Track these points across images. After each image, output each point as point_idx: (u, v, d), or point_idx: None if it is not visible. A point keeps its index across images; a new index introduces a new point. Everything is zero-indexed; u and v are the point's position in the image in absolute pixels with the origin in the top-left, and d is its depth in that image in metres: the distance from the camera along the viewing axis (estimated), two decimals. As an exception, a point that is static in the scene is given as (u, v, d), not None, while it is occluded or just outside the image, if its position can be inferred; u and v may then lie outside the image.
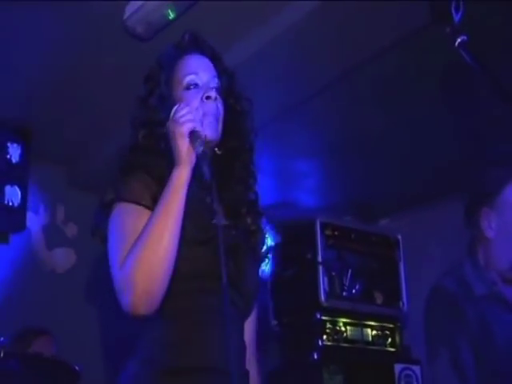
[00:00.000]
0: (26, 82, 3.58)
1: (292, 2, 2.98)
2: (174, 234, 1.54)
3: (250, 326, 1.80)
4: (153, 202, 1.60)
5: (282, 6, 3.02)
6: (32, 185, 4.12)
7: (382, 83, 3.51)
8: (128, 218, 1.60)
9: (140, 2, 2.92)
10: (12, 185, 3.97)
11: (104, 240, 1.64)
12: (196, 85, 1.78)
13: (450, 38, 1.66)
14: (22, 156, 4.02)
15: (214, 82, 1.81)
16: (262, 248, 1.80)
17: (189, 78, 1.78)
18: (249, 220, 1.77)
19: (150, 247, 1.51)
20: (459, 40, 1.63)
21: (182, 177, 1.58)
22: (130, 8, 2.97)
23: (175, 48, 1.88)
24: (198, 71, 1.80)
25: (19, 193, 4.00)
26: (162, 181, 1.62)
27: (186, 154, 1.59)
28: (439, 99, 3.60)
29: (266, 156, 4.21)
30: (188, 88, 1.78)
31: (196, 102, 1.74)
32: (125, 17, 3.00)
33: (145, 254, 1.50)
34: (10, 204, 3.95)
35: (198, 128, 1.62)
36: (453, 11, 1.65)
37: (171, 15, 2.91)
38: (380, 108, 3.74)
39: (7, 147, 3.97)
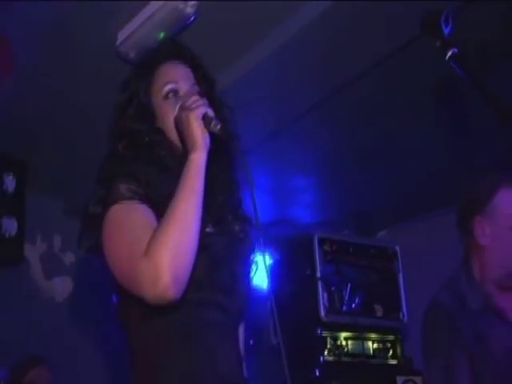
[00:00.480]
0: (20, 114, 3.59)
1: (279, 24, 3.03)
2: (199, 216, 1.54)
3: (241, 332, 1.81)
4: (144, 202, 1.59)
5: (269, 30, 3.06)
6: (29, 215, 4.12)
7: (373, 97, 3.55)
8: (130, 213, 1.57)
9: (132, 28, 2.94)
10: (9, 216, 3.97)
11: (90, 249, 1.63)
12: (176, 93, 1.77)
13: (441, 51, 1.69)
14: (17, 187, 4.03)
15: (194, 90, 1.79)
16: (251, 255, 1.79)
17: (168, 87, 1.76)
18: (236, 227, 1.76)
19: (178, 231, 1.49)
20: (450, 53, 1.66)
21: (200, 160, 1.59)
22: (122, 34, 3.00)
23: (154, 55, 1.86)
24: (177, 79, 1.78)
25: (16, 223, 4.00)
26: (150, 185, 1.61)
27: (201, 137, 1.60)
28: (431, 111, 3.64)
29: (261, 174, 4.24)
30: (167, 97, 1.76)
31: (175, 111, 1.73)
32: (117, 43, 3.03)
33: (174, 238, 1.48)
34: (7, 235, 3.95)
35: (210, 112, 1.64)
36: (442, 24, 1.68)
37: (161, 39, 2.94)
38: (372, 122, 3.78)
39: (3, 178, 3.98)
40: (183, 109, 1.65)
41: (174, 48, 1.88)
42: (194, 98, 1.67)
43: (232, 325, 1.69)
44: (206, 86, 1.85)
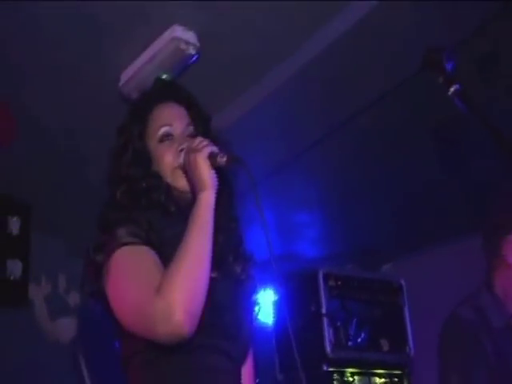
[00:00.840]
0: (25, 157, 3.62)
1: (281, 61, 3.08)
2: (209, 254, 1.55)
3: (246, 370, 1.79)
4: (147, 244, 1.59)
5: (272, 66, 3.11)
6: (33, 256, 4.12)
7: (377, 133, 3.59)
8: (135, 255, 1.57)
9: (135, 68, 2.98)
10: (13, 258, 3.98)
11: (92, 295, 1.63)
12: (170, 136, 1.76)
13: (443, 87, 1.73)
14: (22, 229, 4.04)
15: (189, 131, 1.79)
16: (254, 295, 1.79)
17: (163, 130, 1.76)
18: (238, 269, 1.74)
19: (191, 268, 1.51)
20: (452, 89, 1.69)
21: (210, 198, 1.61)
22: (125, 74, 3.04)
23: (147, 97, 1.87)
24: (171, 122, 1.78)
25: (20, 265, 4.00)
26: (152, 228, 1.61)
27: (210, 177, 1.62)
28: (434, 146, 3.67)
29: (266, 208, 4.24)
30: (162, 140, 1.76)
31: (171, 155, 1.74)
32: (120, 83, 3.06)
33: (187, 275, 1.49)
34: (12, 277, 3.94)
35: (214, 149, 1.65)
36: (445, 61, 1.72)
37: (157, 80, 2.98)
38: (376, 157, 3.81)
39: (7, 221, 3.99)
40: (190, 151, 1.66)
41: (167, 89, 1.89)
42: (199, 139, 1.68)
43: (236, 371, 1.68)
44: (201, 125, 1.85)
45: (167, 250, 1.58)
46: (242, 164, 1.67)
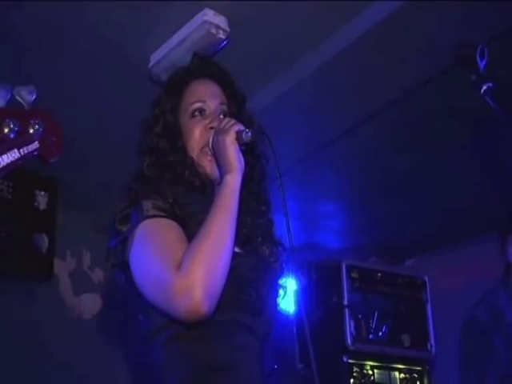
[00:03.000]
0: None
1: (313, 49, 3.03)
2: (232, 235, 1.56)
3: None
4: (172, 218, 1.59)
5: (303, 54, 3.07)
6: (59, 231, 4.15)
7: (406, 125, 3.53)
8: (161, 228, 1.58)
9: (165, 51, 2.97)
10: (40, 232, 4.02)
11: (118, 264, 1.63)
12: (203, 112, 1.78)
13: (476, 85, 1.67)
14: (49, 204, 4.07)
15: (221, 109, 1.80)
16: (280, 279, 1.79)
17: (195, 106, 1.78)
18: (266, 250, 1.75)
19: (213, 247, 1.51)
20: (485, 87, 1.65)
21: (236, 181, 1.61)
22: (155, 56, 3.03)
23: (183, 72, 1.87)
24: (205, 98, 1.79)
25: (46, 240, 4.04)
26: (176, 203, 1.62)
27: (237, 160, 1.63)
28: (463, 142, 3.60)
29: (290, 198, 4.22)
30: (193, 115, 1.78)
31: (198, 131, 1.75)
32: (150, 65, 3.05)
33: (209, 254, 1.49)
34: (38, 251, 3.98)
35: (240, 126, 1.66)
36: (478, 58, 1.66)
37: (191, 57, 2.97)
38: (404, 150, 3.76)
39: (35, 195, 4.02)
40: (218, 132, 1.67)
41: (203, 66, 1.89)
42: (227, 119, 1.69)
43: (259, 346, 1.67)
44: (235, 104, 1.86)
45: (190, 225, 1.59)
46: (266, 137, 1.68)
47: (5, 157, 1.15)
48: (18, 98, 1.18)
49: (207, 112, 1.78)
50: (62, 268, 4.32)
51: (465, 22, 2.70)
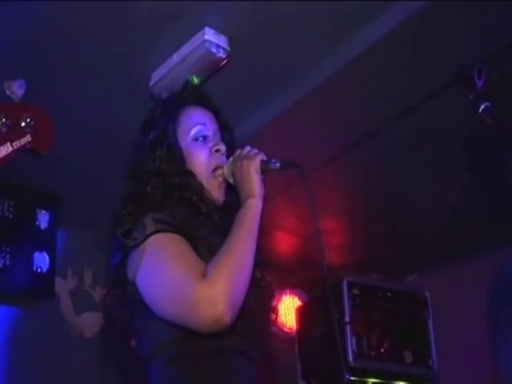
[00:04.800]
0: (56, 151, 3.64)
1: (313, 66, 3.05)
2: (253, 256, 1.60)
3: None
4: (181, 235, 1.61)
5: (303, 71, 3.08)
6: (60, 249, 4.15)
7: (406, 142, 3.54)
8: (175, 242, 1.59)
9: (166, 69, 2.99)
10: (40, 251, 4.01)
11: (124, 283, 1.63)
12: (204, 136, 1.81)
13: (474, 104, 1.69)
14: (50, 222, 4.07)
15: (218, 136, 1.84)
16: (272, 301, 1.85)
17: (197, 129, 1.80)
18: (257, 274, 1.75)
19: (239, 263, 1.55)
20: (483, 107, 1.66)
21: (258, 206, 1.68)
22: (156, 75, 3.05)
23: (178, 96, 1.90)
24: (205, 122, 1.82)
25: (47, 259, 4.03)
26: (184, 223, 1.63)
27: (260, 186, 1.70)
28: (463, 158, 3.61)
29: (291, 215, 4.22)
30: (196, 139, 1.80)
31: (205, 154, 1.78)
32: (151, 84, 3.07)
33: (234, 268, 1.53)
34: (39, 270, 3.98)
35: (263, 156, 1.74)
36: (476, 77, 1.68)
37: (195, 81, 2.99)
38: (405, 166, 3.77)
39: (36, 214, 4.02)
40: (241, 158, 1.73)
41: (198, 93, 1.93)
42: (248, 147, 1.76)
43: (254, 371, 1.68)
44: (226, 134, 1.90)
45: (197, 246, 1.61)
46: (298, 168, 1.76)
47: None
48: (7, 92, 1.19)
49: (209, 135, 1.82)
50: (63, 286, 4.31)
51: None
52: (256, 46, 2.91)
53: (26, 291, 3.96)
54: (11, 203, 3.87)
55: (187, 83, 2.01)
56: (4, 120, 1.17)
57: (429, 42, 2.81)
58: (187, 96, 1.89)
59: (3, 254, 3.78)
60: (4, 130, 1.17)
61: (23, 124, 1.21)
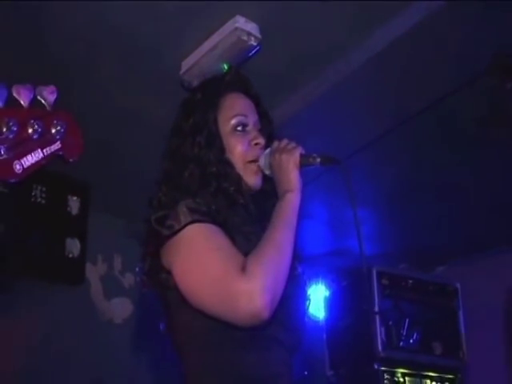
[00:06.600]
0: (86, 137, 3.67)
1: (340, 57, 3.03)
2: (292, 249, 1.60)
3: None
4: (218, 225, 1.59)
5: (330, 62, 3.07)
6: (91, 235, 4.19)
7: (434, 132, 3.50)
8: (213, 233, 1.57)
9: (196, 57, 2.99)
10: (72, 237, 4.06)
11: (159, 271, 1.61)
12: (244, 127, 1.78)
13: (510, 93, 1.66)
14: (81, 208, 4.12)
15: (258, 126, 1.81)
16: (306, 290, 1.80)
17: (238, 120, 1.77)
18: (294, 264, 1.72)
19: (279, 257, 1.55)
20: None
21: (296, 199, 1.66)
22: (186, 63, 3.05)
23: (218, 83, 1.85)
24: (246, 113, 1.79)
25: (79, 244, 4.08)
26: (219, 213, 1.61)
27: (298, 180, 1.69)
28: (495, 146, 3.55)
29: (320, 205, 4.21)
30: (236, 129, 1.77)
31: (243, 146, 1.75)
32: (181, 71, 3.07)
33: (274, 262, 1.53)
34: (70, 256, 4.03)
35: (302, 150, 1.72)
36: (514, 64, 1.65)
37: (226, 69, 2.98)
38: (434, 156, 3.73)
39: (67, 200, 4.07)
40: (280, 151, 1.71)
41: (240, 80, 1.87)
42: (286, 140, 1.74)
43: (289, 360, 1.67)
44: (266, 124, 1.87)
45: (234, 236, 1.60)
46: (338, 163, 1.74)
47: (29, 157, 1.17)
48: (39, 98, 1.20)
49: (249, 127, 1.78)
50: (93, 272, 4.36)
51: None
52: (286, 34, 2.89)
53: (57, 276, 4.01)
54: (43, 189, 3.92)
55: (230, 69, 1.97)
56: (36, 127, 1.19)
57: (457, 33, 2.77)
58: (230, 82, 1.84)
59: (36, 239, 3.84)
60: (36, 136, 1.19)
61: (53, 131, 1.23)
